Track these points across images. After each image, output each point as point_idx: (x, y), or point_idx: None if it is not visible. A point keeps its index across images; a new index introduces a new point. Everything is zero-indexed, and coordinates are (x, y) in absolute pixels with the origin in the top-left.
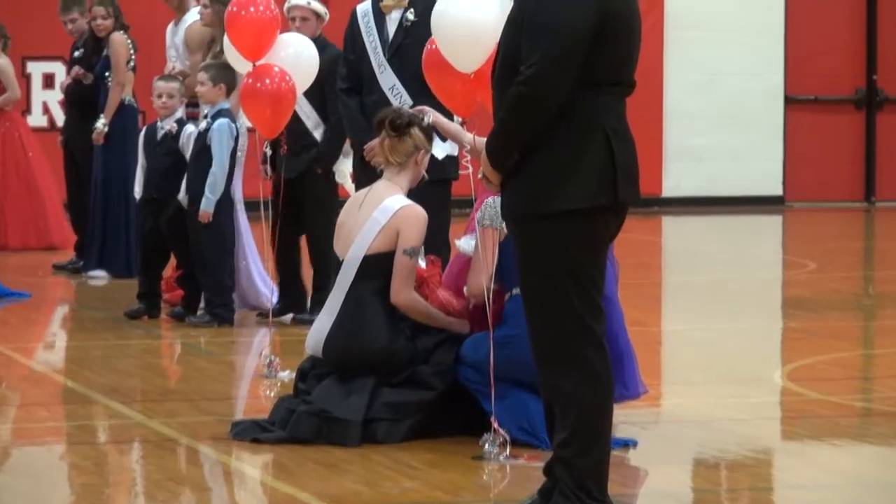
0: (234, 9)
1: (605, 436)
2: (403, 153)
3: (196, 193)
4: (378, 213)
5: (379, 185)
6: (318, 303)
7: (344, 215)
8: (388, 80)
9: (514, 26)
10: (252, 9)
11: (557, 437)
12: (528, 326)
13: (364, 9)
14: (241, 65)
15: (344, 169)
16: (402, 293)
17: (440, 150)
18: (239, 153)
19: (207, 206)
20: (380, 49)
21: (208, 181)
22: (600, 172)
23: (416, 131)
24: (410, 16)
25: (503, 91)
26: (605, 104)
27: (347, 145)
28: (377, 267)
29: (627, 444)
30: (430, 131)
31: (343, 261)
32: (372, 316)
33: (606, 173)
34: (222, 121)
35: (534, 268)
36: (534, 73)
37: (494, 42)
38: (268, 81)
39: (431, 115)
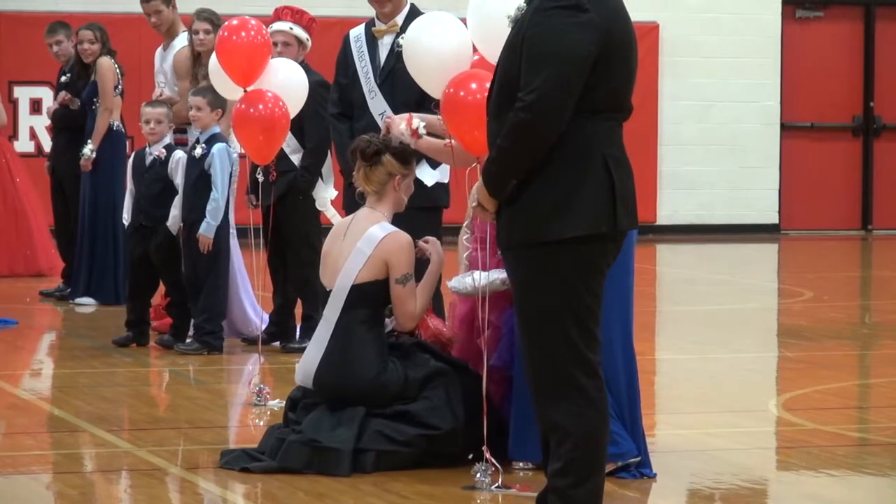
0: (226, 33)
1: (601, 466)
2: (377, 181)
3: (195, 219)
4: (362, 243)
5: (361, 214)
6: (307, 331)
7: (328, 244)
8: (378, 105)
9: (513, 52)
10: (243, 34)
11: (552, 467)
12: (522, 355)
13: (357, 34)
14: (228, 90)
15: (324, 196)
16: (408, 320)
17: (430, 177)
18: (233, 178)
19: (208, 231)
20: (371, 74)
21: (209, 207)
22: (600, 200)
23: (387, 158)
24: (402, 41)
25: (500, 117)
26: (605, 131)
27: (326, 171)
28: (365, 297)
29: (629, 468)
30: (407, 155)
31: (330, 291)
32: (361, 347)
33: (606, 201)
34: (221, 145)
35: (530, 296)
36: (534, 100)
37: (462, 68)
38: (261, 107)
39: (419, 126)
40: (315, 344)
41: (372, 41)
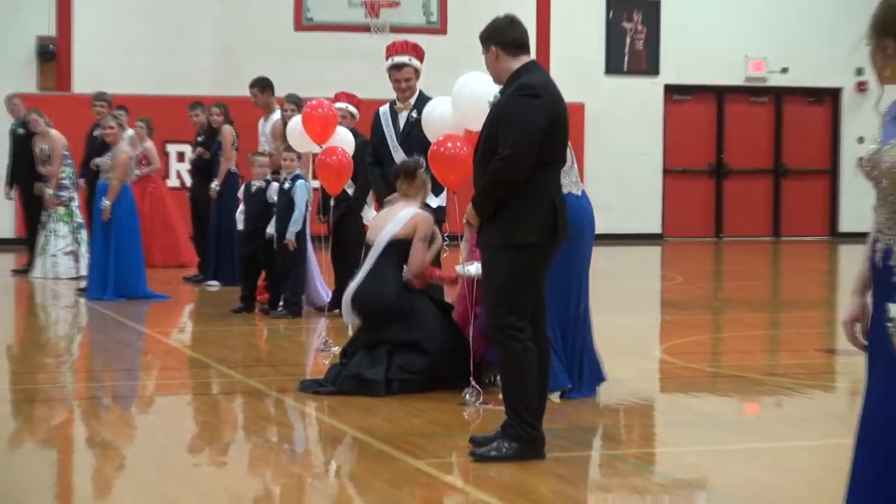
0: (308, 110)
1: (531, 385)
2: (417, 186)
3: (284, 230)
4: (402, 214)
5: (400, 203)
6: None
7: (379, 220)
8: (399, 157)
9: (493, 124)
10: (320, 110)
11: (502, 385)
12: (489, 315)
13: (384, 109)
14: (303, 146)
15: (369, 215)
16: (416, 266)
17: (434, 202)
18: (309, 204)
19: (291, 235)
20: (394, 137)
21: (292, 219)
22: (547, 220)
23: (421, 172)
24: (414, 114)
25: (484, 167)
26: (550, 175)
27: (369, 199)
28: (395, 248)
29: (565, 393)
30: (427, 174)
31: (372, 245)
32: (386, 280)
33: (550, 221)
34: (301, 181)
35: (500, 279)
36: (509, 154)
37: (457, 131)
38: (335, 158)
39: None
40: (357, 277)
41: (394, 115)
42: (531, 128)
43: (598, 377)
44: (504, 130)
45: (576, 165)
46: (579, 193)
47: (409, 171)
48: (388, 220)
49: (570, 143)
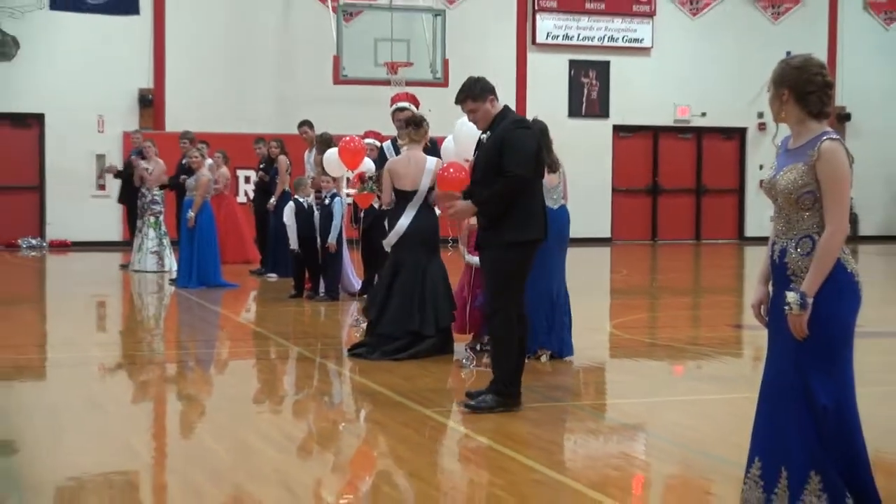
0: (343, 144)
1: (515, 354)
2: (420, 134)
3: (325, 235)
4: (427, 167)
5: (412, 151)
6: None
7: (402, 168)
8: None
9: (492, 149)
10: (353, 144)
11: (490, 353)
12: (486, 299)
13: (387, 145)
14: (337, 170)
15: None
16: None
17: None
18: (343, 215)
19: (332, 239)
20: None
21: (332, 227)
22: (537, 223)
23: (424, 123)
24: None
25: (483, 185)
26: (537, 186)
27: None
28: (429, 192)
29: (553, 355)
30: (427, 123)
31: (416, 191)
32: (428, 216)
33: (540, 224)
34: (338, 198)
35: (495, 271)
36: (516, 173)
37: (458, 160)
38: None
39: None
40: (405, 217)
41: (396, 149)
42: (530, 150)
43: (570, 349)
44: (508, 154)
45: (561, 186)
46: (556, 207)
47: (416, 122)
48: (419, 172)
49: (564, 172)
